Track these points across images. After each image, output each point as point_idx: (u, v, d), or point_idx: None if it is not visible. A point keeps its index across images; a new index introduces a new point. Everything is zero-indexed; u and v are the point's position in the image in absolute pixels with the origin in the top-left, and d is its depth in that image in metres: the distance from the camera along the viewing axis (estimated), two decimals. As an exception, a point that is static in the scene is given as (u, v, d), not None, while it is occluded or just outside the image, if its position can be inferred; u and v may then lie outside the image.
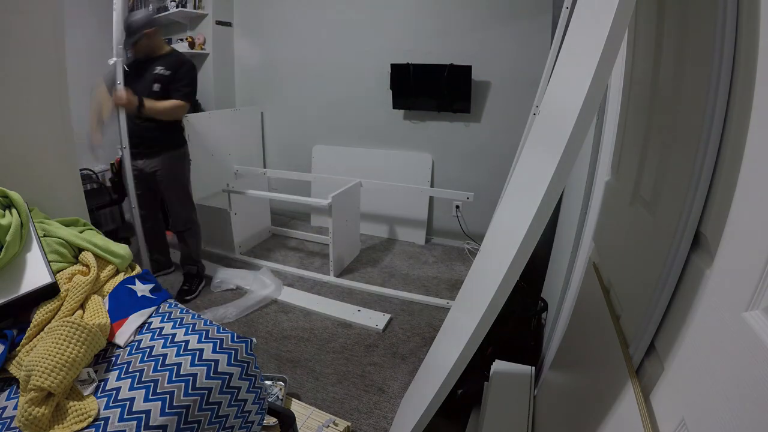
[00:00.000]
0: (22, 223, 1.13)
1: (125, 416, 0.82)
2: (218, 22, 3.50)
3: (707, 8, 0.65)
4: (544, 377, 1.54)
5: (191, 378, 0.92)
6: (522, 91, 2.73)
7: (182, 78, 2.30)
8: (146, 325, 1.07)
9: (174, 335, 1.02)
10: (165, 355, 0.96)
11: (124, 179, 2.35)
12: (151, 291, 1.18)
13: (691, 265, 0.69)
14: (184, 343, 0.99)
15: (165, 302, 1.17)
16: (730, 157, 0.61)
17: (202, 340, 1.01)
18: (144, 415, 0.83)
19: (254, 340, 1.10)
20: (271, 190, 3.55)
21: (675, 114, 0.78)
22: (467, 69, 2.80)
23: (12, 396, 0.87)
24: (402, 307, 2.47)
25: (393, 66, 3.01)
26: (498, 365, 1.60)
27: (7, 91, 1.40)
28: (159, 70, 2.26)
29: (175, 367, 0.93)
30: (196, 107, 3.55)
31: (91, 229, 1.40)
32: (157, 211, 2.64)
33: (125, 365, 0.95)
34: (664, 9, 0.85)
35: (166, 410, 0.85)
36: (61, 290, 1.06)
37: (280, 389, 1.63)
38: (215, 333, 1.04)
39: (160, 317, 1.10)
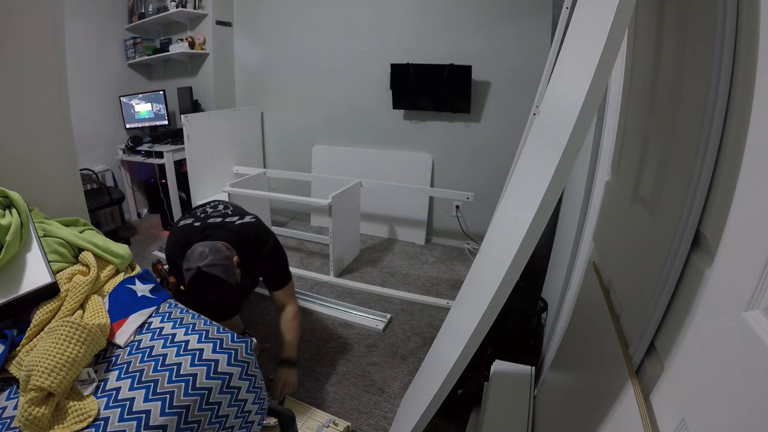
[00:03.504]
0: (22, 223, 1.13)
1: (125, 416, 0.82)
2: (218, 22, 3.50)
3: (707, 8, 0.65)
4: (544, 377, 1.54)
5: (191, 378, 0.92)
6: (522, 91, 2.73)
7: (270, 266, 1.73)
8: (146, 325, 1.07)
9: (174, 335, 1.02)
10: (165, 355, 0.96)
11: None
12: (151, 291, 1.18)
13: (691, 265, 0.69)
14: (184, 343, 0.99)
15: (165, 302, 1.17)
16: (730, 157, 0.61)
17: (202, 340, 1.01)
18: (144, 415, 0.83)
19: (254, 340, 1.10)
20: (271, 190, 3.55)
21: (675, 114, 0.78)
22: (467, 69, 2.80)
23: (12, 396, 0.87)
24: (402, 307, 2.47)
25: (393, 66, 3.01)
26: (498, 365, 1.60)
27: (7, 92, 1.40)
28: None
29: (175, 367, 0.93)
30: (196, 107, 3.55)
31: (91, 229, 1.40)
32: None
33: (125, 365, 0.95)
34: (664, 9, 0.85)
35: (166, 410, 0.85)
36: (61, 290, 1.06)
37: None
38: (215, 333, 1.04)
39: (160, 317, 1.10)
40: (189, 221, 1.71)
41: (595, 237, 1.32)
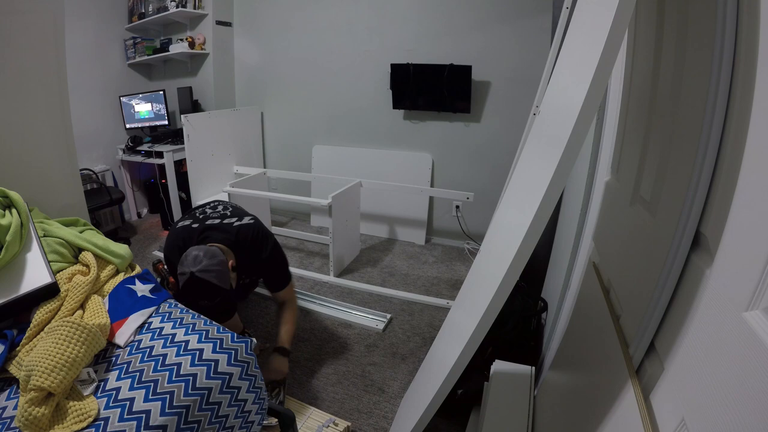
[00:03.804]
0: (22, 223, 1.13)
1: (125, 416, 0.82)
2: (218, 22, 3.51)
3: (707, 8, 0.65)
4: (544, 377, 1.54)
5: (191, 378, 0.92)
6: (522, 91, 2.73)
7: (269, 268, 1.74)
8: (146, 325, 1.07)
9: (174, 335, 1.02)
10: (165, 355, 0.96)
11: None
12: (151, 291, 1.18)
13: (691, 265, 0.69)
14: (184, 343, 0.99)
15: (165, 302, 1.17)
16: (730, 157, 0.61)
17: (202, 340, 1.01)
18: (144, 415, 0.83)
19: (254, 340, 1.10)
20: (271, 190, 3.55)
21: (675, 114, 0.78)
22: (467, 69, 2.80)
23: (12, 396, 0.87)
24: (402, 307, 2.47)
25: (393, 66, 3.01)
26: (498, 365, 1.60)
27: (8, 92, 1.40)
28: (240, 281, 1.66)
29: (175, 367, 0.93)
30: (196, 107, 3.55)
31: (91, 229, 1.40)
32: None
33: (125, 365, 0.95)
34: (664, 9, 0.85)
35: (166, 410, 0.85)
36: (61, 290, 1.06)
37: (280, 389, 1.63)
38: (215, 333, 1.04)
39: (160, 317, 1.10)
40: (187, 222, 1.71)
41: (595, 237, 1.32)
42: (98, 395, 0.87)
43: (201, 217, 1.73)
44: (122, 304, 1.11)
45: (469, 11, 2.84)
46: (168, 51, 3.52)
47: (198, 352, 0.97)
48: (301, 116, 3.61)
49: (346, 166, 3.41)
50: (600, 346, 0.97)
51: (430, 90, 2.99)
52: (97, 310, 1.04)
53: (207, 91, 3.65)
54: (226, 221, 1.69)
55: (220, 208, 1.84)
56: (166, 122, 3.58)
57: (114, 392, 0.87)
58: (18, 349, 0.94)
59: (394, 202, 3.35)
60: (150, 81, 3.92)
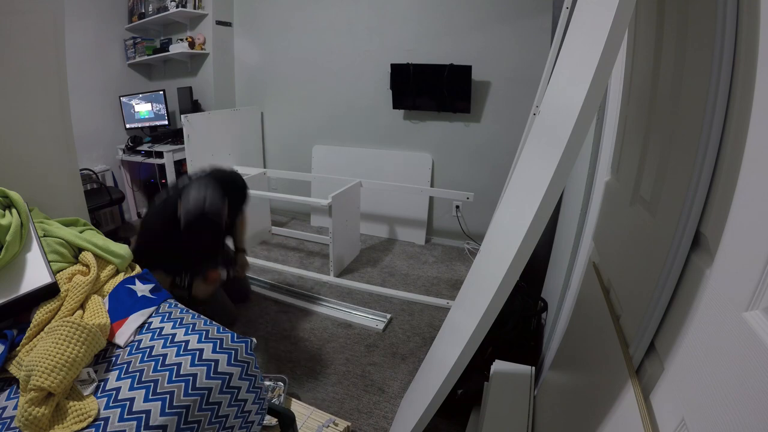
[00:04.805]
0: (22, 223, 1.12)
1: (125, 416, 0.82)
2: (218, 22, 3.51)
3: (707, 8, 0.65)
4: (544, 377, 1.54)
5: (191, 378, 0.92)
6: (522, 91, 2.73)
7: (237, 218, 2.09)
8: (146, 325, 1.07)
9: (174, 335, 1.02)
10: (165, 355, 0.96)
11: None
12: (151, 291, 1.18)
13: (691, 265, 0.69)
14: (184, 343, 0.99)
15: (165, 302, 1.17)
16: (730, 157, 0.61)
17: (202, 340, 1.01)
18: (144, 415, 0.83)
19: (254, 340, 1.10)
20: (271, 190, 3.55)
21: (675, 114, 0.78)
22: (467, 69, 2.80)
23: (12, 396, 0.87)
24: (402, 307, 2.47)
25: (393, 66, 3.02)
26: (498, 365, 1.60)
27: (8, 92, 1.40)
28: None
29: (175, 367, 0.93)
30: (196, 107, 3.55)
31: (91, 229, 1.40)
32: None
33: (125, 365, 0.95)
34: (664, 9, 0.85)
35: (166, 410, 0.85)
36: (61, 290, 1.06)
37: (280, 389, 1.63)
38: (215, 333, 1.04)
39: (160, 317, 1.10)
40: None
41: (595, 237, 1.32)
42: (98, 395, 0.87)
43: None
44: (122, 304, 1.10)
45: (469, 11, 2.84)
46: (168, 51, 3.52)
47: (198, 352, 0.97)
48: (301, 116, 3.61)
49: (346, 166, 3.41)
50: (600, 346, 0.97)
51: (430, 90, 2.99)
52: (97, 310, 1.04)
53: (207, 91, 3.65)
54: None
55: None
56: (166, 122, 3.58)
57: (114, 392, 0.87)
58: (18, 349, 0.94)
59: (394, 202, 3.35)
60: (150, 81, 3.92)
